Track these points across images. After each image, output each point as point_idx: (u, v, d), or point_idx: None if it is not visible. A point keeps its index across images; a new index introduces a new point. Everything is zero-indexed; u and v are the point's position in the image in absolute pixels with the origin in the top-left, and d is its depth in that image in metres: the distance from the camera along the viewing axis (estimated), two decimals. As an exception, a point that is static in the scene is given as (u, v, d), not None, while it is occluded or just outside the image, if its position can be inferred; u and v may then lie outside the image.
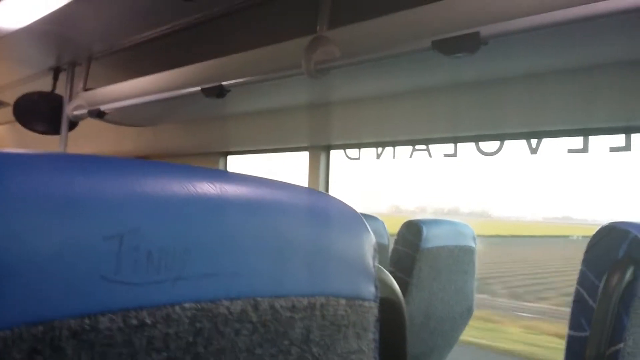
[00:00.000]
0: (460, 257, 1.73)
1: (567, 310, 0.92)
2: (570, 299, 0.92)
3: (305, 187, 0.48)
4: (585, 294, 0.89)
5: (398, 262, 1.59)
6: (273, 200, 0.42)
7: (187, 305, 0.33)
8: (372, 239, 0.49)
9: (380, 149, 2.07)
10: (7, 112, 2.88)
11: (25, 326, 0.27)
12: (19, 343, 0.27)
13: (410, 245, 1.59)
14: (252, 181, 0.42)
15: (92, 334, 0.29)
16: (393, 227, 1.85)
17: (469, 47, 1.11)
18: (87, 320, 0.29)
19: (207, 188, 0.36)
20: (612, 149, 1.53)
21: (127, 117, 2.33)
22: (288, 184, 0.45)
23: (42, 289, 0.28)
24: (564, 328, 0.91)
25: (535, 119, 1.58)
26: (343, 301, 0.44)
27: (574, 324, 0.90)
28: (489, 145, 1.77)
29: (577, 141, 1.59)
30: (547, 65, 1.48)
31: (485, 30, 1.06)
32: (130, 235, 0.31)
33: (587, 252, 0.92)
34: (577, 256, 0.94)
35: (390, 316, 0.52)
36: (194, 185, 0.36)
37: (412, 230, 1.61)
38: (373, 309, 0.48)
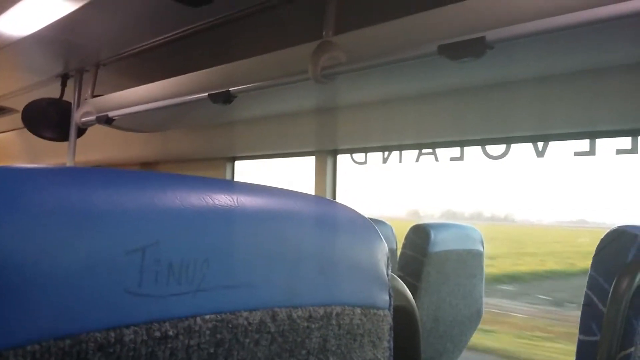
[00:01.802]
0: (468, 261, 1.73)
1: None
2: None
3: (319, 197, 0.49)
4: (595, 298, 0.89)
5: (406, 266, 1.59)
6: (287, 210, 0.42)
7: (207, 316, 0.34)
8: (384, 247, 0.49)
9: (386, 153, 2.07)
10: (16, 119, 2.90)
11: (53, 340, 0.28)
12: (47, 357, 0.28)
13: (419, 250, 1.59)
14: (267, 192, 0.42)
15: (118, 347, 0.30)
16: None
17: (475, 51, 1.11)
18: (112, 333, 0.30)
19: (224, 200, 0.37)
20: (619, 152, 1.53)
21: (135, 123, 2.34)
22: (301, 193, 0.46)
23: (68, 303, 0.29)
24: None
25: (542, 122, 1.58)
26: (358, 310, 0.45)
27: (584, 328, 0.90)
28: (496, 149, 1.77)
29: (583, 144, 1.59)
30: (553, 68, 1.48)
31: (491, 35, 1.07)
32: (151, 248, 0.32)
33: (595, 256, 0.92)
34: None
35: (404, 324, 0.52)
36: (211, 197, 0.36)
37: (420, 234, 1.61)
38: (387, 318, 0.48)
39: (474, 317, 1.81)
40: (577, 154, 1.60)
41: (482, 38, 1.08)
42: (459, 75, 1.57)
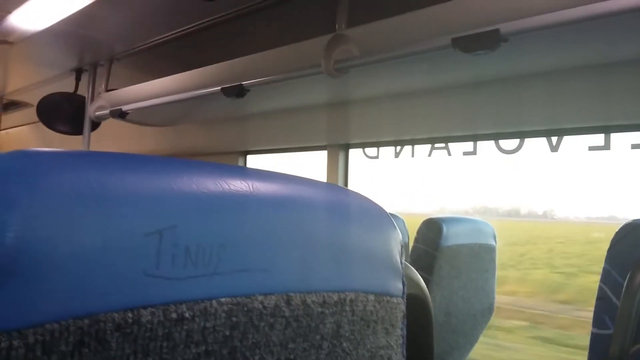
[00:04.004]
0: (480, 255, 1.73)
1: None
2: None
3: (333, 185, 0.49)
4: (608, 292, 0.89)
5: (418, 260, 1.59)
6: (303, 197, 0.43)
7: (223, 300, 0.34)
8: (398, 235, 0.50)
9: (399, 147, 2.06)
10: (31, 113, 2.93)
11: (72, 320, 0.28)
12: (66, 336, 0.28)
13: (431, 244, 1.59)
14: (282, 178, 0.42)
15: (135, 327, 0.30)
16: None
17: (489, 44, 1.10)
18: (129, 314, 0.30)
19: (240, 185, 0.37)
20: (634, 146, 1.51)
21: (148, 117, 2.35)
22: (316, 181, 0.46)
23: (87, 283, 0.29)
24: None
25: (556, 116, 1.57)
26: (372, 297, 0.45)
27: (598, 321, 0.90)
28: (509, 143, 1.76)
29: (598, 139, 1.57)
30: (568, 62, 1.46)
31: (505, 28, 1.06)
32: (169, 231, 0.32)
33: (610, 249, 0.91)
34: None
35: (417, 312, 0.52)
36: (227, 182, 0.37)
37: (432, 228, 1.61)
38: (400, 305, 0.48)
39: (486, 312, 1.81)
40: (591, 148, 1.59)
41: (496, 31, 1.07)
42: (471, 69, 1.56)
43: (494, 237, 1.79)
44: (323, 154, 2.28)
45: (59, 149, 0.32)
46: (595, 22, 0.97)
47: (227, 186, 0.36)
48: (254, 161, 2.73)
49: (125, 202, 0.31)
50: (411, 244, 1.69)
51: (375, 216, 0.48)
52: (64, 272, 0.28)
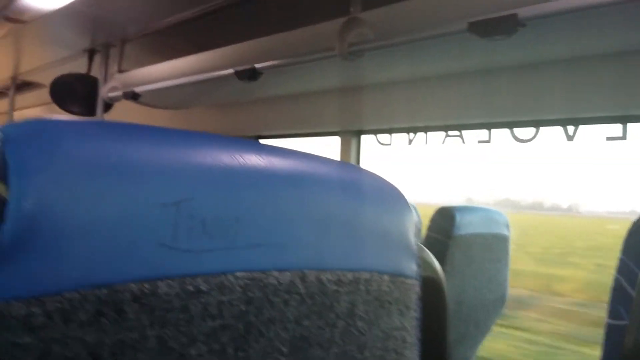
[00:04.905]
0: (493, 244, 1.72)
1: None
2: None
3: (349, 164, 0.48)
4: (624, 282, 0.88)
5: (430, 248, 1.57)
6: (318, 174, 0.42)
7: (239, 274, 0.34)
8: (414, 216, 0.49)
9: (412, 134, 2.05)
10: (44, 94, 2.94)
11: (90, 289, 0.28)
12: (85, 304, 0.28)
13: (443, 232, 1.58)
14: (298, 155, 0.42)
15: (152, 299, 0.30)
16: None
17: (506, 29, 1.09)
18: (146, 285, 0.30)
19: (255, 160, 0.37)
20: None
21: (161, 99, 2.35)
22: (332, 159, 0.45)
23: (104, 253, 0.29)
24: None
25: (573, 105, 1.55)
26: (387, 277, 0.44)
27: (613, 312, 0.89)
28: (524, 132, 1.74)
29: (616, 128, 1.55)
30: (586, 48, 1.44)
31: (523, 12, 1.04)
32: (186, 203, 0.32)
33: (626, 240, 0.90)
34: None
35: (431, 295, 0.52)
36: (243, 156, 0.36)
37: (445, 216, 1.60)
38: (415, 287, 0.48)
39: (499, 302, 1.80)
40: (609, 138, 1.56)
41: (514, 15, 1.05)
42: (487, 55, 1.54)
43: (508, 227, 1.78)
44: (332, 141, 2.27)
45: (78, 118, 0.32)
46: (616, 8, 0.95)
47: (243, 160, 0.36)
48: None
49: (143, 173, 0.31)
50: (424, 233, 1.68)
51: (391, 197, 0.48)
52: (82, 241, 0.28)
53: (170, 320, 0.30)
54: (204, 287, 0.32)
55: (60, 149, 0.28)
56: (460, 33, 1.14)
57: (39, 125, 0.30)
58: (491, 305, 1.76)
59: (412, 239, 0.48)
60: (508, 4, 1.06)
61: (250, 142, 0.40)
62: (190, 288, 0.31)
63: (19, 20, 1.99)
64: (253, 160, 0.37)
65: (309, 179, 0.41)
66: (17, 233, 0.26)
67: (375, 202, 0.46)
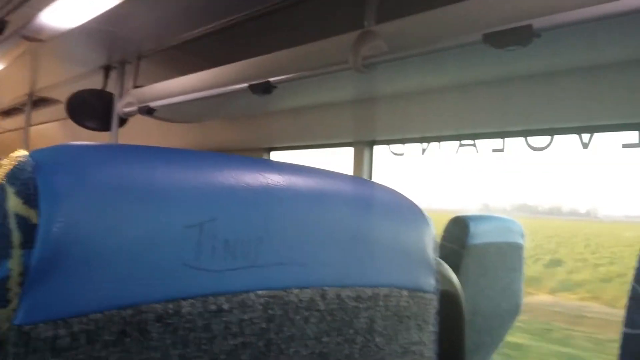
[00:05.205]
0: (508, 254, 1.70)
1: None
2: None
3: (368, 180, 0.49)
4: None
5: (444, 258, 1.58)
6: (338, 192, 0.42)
7: (260, 292, 0.34)
8: (432, 231, 0.49)
9: (425, 144, 2.04)
10: (60, 110, 2.98)
11: (115, 310, 0.29)
12: (109, 326, 0.28)
13: (457, 241, 1.57)
14: (317, 173, 0.42)
15: (175, 318, 0.30)
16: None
17: (521, 40, 1.09)
18: (170, 305, 0.30)
19: (277, 179, 0.37)
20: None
21: (175, 113, 2.37)
22: (349, 175, 0.46)
23: (130, 274, 0.29)
24: None
25: (588, 113, 1.54)
26: (405, 292, 0.45)
27: (630, 321, 0.88)
28: (539, 140, 1.73)
29: (632, 136, 1.54)
30: (601, 57, 1.43)
31: (538, 23, 1.04)
32: (209, 224, 0.32)
33: None
34: None
35: (449, 309, 0.52)
36: (265, 176, 0.37)
37: (459, 226, 1.59)
38: (433, 301, 0.48)
39: (513, 311, 1.78)
40: (625, 145, 1.55)
41: (529, 26, 1.05)
42: (501, 65, 1.54)
43: (522, 236, 1.77)
44: (343, 151, 2.27)
45: (102, 142, 0.33)
46: (631, 17, 0.95)
47: (264, 180, 0.37)
48: (277, 158, 2.74)
49: (168, 196, 0.31)
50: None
51: (409, 212, 0.48)
52: (108, 263, 0.29)
53: (193, 340, 0.31)
54: (225, 306, 0.32)
55: (87, 175, 0.29)
56: (475, 45, 1.15)
57: (66, 151, 0.31)
58: (506, 315, 1.75)
59: (431, 253, 0.49)
60: (523, 15, 1.06)
61: (271, 161, 0.41)
62: (213, 307, 0.32)
63: (37, 38, 2.03)
64: (274, 179, 0.37)
65: (329, 197, 0.41)
66: (47, 257, 0.27)
67: (394, 218, 0.46)
